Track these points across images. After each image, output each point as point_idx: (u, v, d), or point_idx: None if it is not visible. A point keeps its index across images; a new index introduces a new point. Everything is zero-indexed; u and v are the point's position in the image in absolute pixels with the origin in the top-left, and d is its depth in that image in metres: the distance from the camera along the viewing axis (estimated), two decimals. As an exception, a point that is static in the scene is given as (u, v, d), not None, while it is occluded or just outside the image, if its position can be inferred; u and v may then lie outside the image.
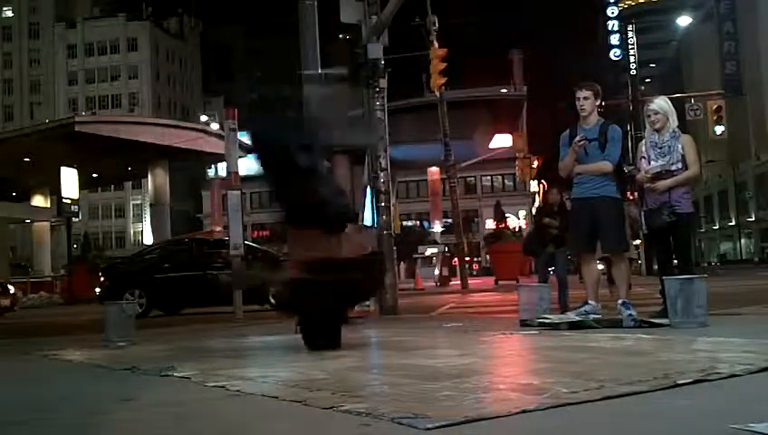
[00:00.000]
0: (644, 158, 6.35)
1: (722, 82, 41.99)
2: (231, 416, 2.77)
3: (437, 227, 40.72)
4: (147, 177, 42.37)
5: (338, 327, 5.09)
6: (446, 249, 29.89)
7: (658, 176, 6.17)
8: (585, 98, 6.36)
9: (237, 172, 10.76)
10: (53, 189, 36.71)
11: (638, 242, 17.53)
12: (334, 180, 5.49)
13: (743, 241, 64.18)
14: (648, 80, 70.13)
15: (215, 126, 40.97)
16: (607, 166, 6.24)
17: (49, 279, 33.55)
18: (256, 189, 60.39)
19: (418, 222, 56.25)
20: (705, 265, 49.81)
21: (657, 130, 6.26)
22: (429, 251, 30.90)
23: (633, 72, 39.17)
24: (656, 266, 8.68)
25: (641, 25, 67.39)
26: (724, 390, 2.88)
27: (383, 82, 10.01)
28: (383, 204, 9.86)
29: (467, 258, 30.08)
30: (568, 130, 6.50)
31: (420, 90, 40.65)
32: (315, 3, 10.32)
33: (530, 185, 66.19)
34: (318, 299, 4.82)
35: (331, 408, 2.67)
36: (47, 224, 40.35)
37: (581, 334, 5.36)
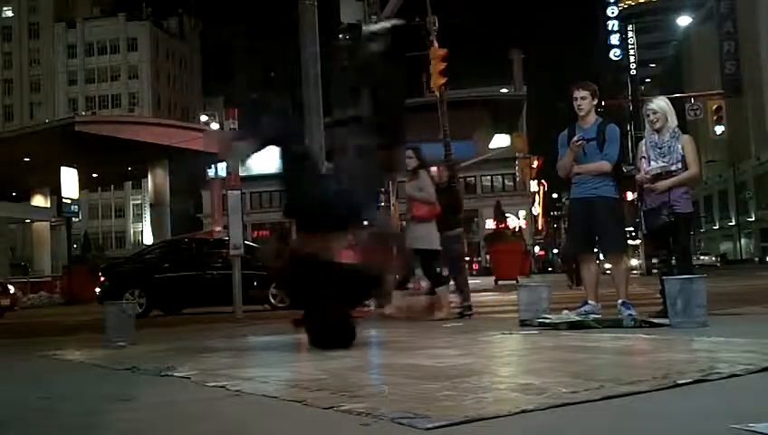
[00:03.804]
0: (644, 158, 6.36)
1: (722, 82, 42.04)
2: (231, 416, 2.77)
3: (437, 227, 40.68)
4: (147, 177, 42.35)
5: (349, 324, 5.07)
6: (446, 249, 29.82)
7: (658, 176, 6.18)
8: (582, 97, 6.37)
9: (237, 172, 10.77)
10: (53, 189, 36.68)
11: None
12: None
13: (743, 241, 64.19)
14: (648, 80, 70.24)
15: (215, 126, 40.96)
16: (606, 166, 6.24)
17: (49, 279, 33.51)
18: (256, 189, 60.62)
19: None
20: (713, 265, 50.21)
21: (657, 131, 6.27)
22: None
23: (633, 72, 39.26)
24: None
25: (641, 25, 67.58)
26: (725, 390, 2.88)
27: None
28: (383, 204, 9.88)
29: (467, 258, 30.06)
30: (566, 130, 6.51)
31: (420, 90, 40.66)
32: (315, 3, 10.33)
33: (530, 185, 66.26)
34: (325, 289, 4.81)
35: (330, 408, 2.67)
36: (47, 224, 40.32)
37: (581, 334, 5.36)
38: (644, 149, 6.40)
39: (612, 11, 45.04)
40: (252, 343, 6.34)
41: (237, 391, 3.23)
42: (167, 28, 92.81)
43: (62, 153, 32.02)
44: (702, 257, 51.04)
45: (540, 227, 77.29)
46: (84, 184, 38.03)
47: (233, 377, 3.66)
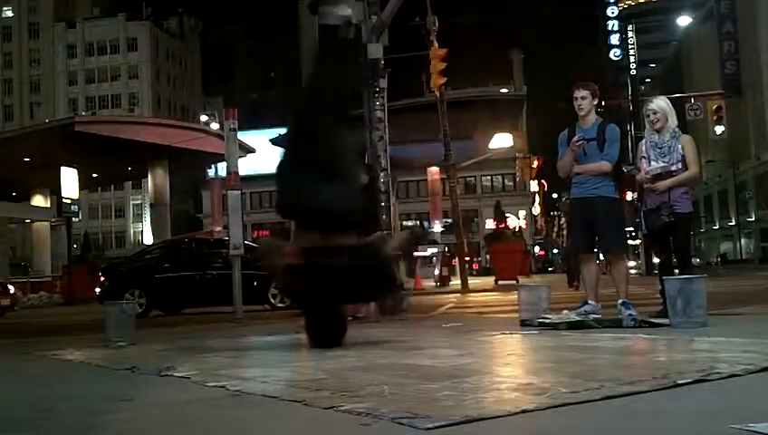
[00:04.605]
0: (644, 158, 6.36)
1: (722, 82, 42.07)
2: (231, 416, 2.77)
3: (437, 227, 40.72)
4: (147, 177, 42.36)
5: (339, 324, 5.08)
6: (446, 249, 29.86)
7: (658, 176, 6.18)
8: (583, 97, 6.38)
9: (237, 172, 10.75)
10: (53, 189, 36.67)
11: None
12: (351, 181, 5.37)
13: (743, 241, 64.15)
14: (648, 80, 70.27)
15: (215, 126, 40.91)
16: (606, 166, 6.25)
17: (49, 279, 33.49)
18: (256, 189, 60.62)
19: (418, 222, 56.26)
20: (705, 264, 50.03)
21: (658, 131, 6.27)
22: (429, 251, 30.91)
23: (633, 72, 39.25)
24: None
25: (641, 25, 67.62)
26: (725, 390, 2.88)
27: (383, 82, 10.01)
28: (383, 204, 9.86)
29: (467, 258, 30.07)
30: (566, 130, 6.51)
31: (420, 90, 40.66)
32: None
33: (530, 185, 66.31)
34: (314, 287, 4.81)
35: (330, 408, 2.67)
36: (47, 224, 40.33)
37: (581, 334, 5.36)
38: (644, 149, 6.40)
39: (612, 11, 45.02)
40: (252, 342, 6.34)
41: (237, 391, 3.23)
42: (167, 28, 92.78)
43: (62, 153, 32.02)
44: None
45: (540, 227, 77.35)
46: (84, 184, 38.03)
47: (233, 377, 3.66)
